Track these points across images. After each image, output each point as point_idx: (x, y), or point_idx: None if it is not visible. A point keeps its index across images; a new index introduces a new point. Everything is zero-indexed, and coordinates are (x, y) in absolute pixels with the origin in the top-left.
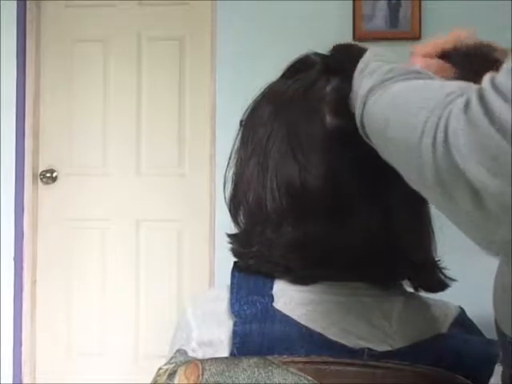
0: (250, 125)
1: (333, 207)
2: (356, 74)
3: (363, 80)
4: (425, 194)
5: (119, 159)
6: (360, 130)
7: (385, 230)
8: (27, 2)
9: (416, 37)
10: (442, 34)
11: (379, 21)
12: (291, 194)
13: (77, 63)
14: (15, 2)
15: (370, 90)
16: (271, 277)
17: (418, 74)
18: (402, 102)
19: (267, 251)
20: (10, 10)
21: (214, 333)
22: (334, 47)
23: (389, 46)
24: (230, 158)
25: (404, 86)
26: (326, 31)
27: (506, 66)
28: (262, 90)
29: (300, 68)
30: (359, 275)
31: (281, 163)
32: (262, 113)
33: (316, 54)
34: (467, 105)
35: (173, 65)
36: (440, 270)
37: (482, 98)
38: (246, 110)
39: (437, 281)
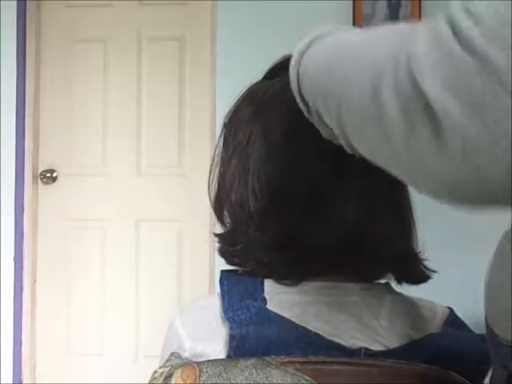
0: (231, 126)
1: (311, 204)
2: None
3: (301, 40)
4: (373, 128)
5: (119, 159)
6: (295, 90)
7: (365, 222)
8: (27, 2)
9: None
10: None
11: (379, 21)
12: (272, 194)
13: (77, 63)
14: (15, 2)
15: (311, 42)
16: (261, 276)
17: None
18: (360, 40)
19: (251, 249)
20: (10, 10)
21: (207, 344)
22: None
23: None
24: (213, 160)
25: (356, 32)
26: None
27: None
28: (244, 91)
29: (280, 70)
30: (344, 269)
31: (260, 164)
32: (242, 114)
33: None
34: (436, 24)
35: (173, 65)
36: (421, 261)
37: (450, 17)
38: (229, 111)
39: (418, 272)
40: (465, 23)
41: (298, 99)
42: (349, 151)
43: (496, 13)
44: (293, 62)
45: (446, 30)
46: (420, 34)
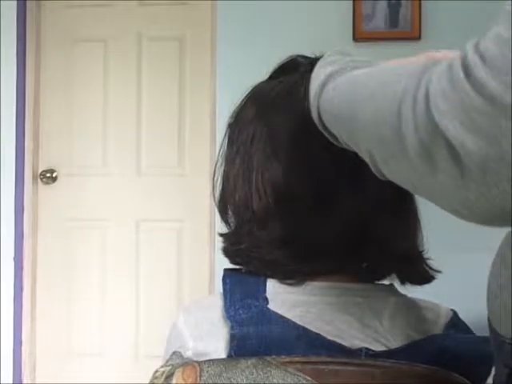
0: (235, 126)
1: (315, 205)
2: (314, 69)
3: (320, 70)
4: (398, 159)
5: (119, 159)
6: (316, 121)
7: (369, 223)
8: (27, 2)
9: (416, 37)
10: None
11: (379, 21)
12: (276, 194)
13: (77, 63)
14: (15, 2)
15: (329, 77)
16: (263, 275)
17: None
18: (376, 77)
19: (255, 248)
20: (10, 10)
21: (209, 343)
22: (318, 56)
23: (389, 46)
24: (217, 160)
25: (371, 69)
26: (326, 31)
27: (492, 32)
28: (248, 91)
29: (285, 70)
30: (347, 270)
31: (264, 164)
32: (246, 114)
33: (303, 56)
34: (450, 67)
35: (173, 65)
36: (424, 261)
37: (464, 61)
38: (233, 111)
39: (422, 272)
40: (474, 63)
41: (321, 130)
42: (379, 176)
43: (502, 54)
44: (311, 98)
45: (459, 69)
46: (437, 72)
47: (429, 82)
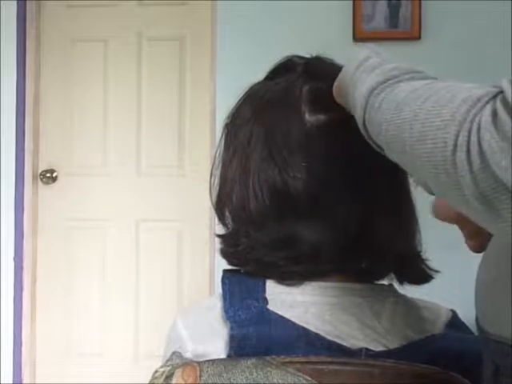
0: (232, 127)
1: (314, 205)
2: (350, 70)
3: (362, 75)
4: (462, 207)
5: (119, 159)
6: (362, 131)
7: (367, 223)
8: (27, 2)
9: (416, 37)
10: (441, 34)
11: (379, 21)
12: (273, 195)
13: (77, 63)
14: (15, 2)
15: (373, 89)
16: (262, 277)
17: (421, 74)
18: (420, 111)
19: (252, 250)
20: (10, 10)
21: (209, 344)
22: (314, 56)
23: (389, 46)
24: (214, 161)
25: (414, 88)
26: (326, 31)
27: None
28: (244, 92)
29: (282, 70)
30: (346, 270)
31: (261, 165)
32: (243, 115)
33: (299, 57)
34: (495, 115)
35: (173, 65)
36: (423, 261)
37: (507, 105)
38: (230, 112)
39: (420, 272)
40: None
41: (367, 139)
42: (428, 193)
43: None
44: (357, 118)
45: (506, 118)
46: (483, 125)
47: (480, 136)
